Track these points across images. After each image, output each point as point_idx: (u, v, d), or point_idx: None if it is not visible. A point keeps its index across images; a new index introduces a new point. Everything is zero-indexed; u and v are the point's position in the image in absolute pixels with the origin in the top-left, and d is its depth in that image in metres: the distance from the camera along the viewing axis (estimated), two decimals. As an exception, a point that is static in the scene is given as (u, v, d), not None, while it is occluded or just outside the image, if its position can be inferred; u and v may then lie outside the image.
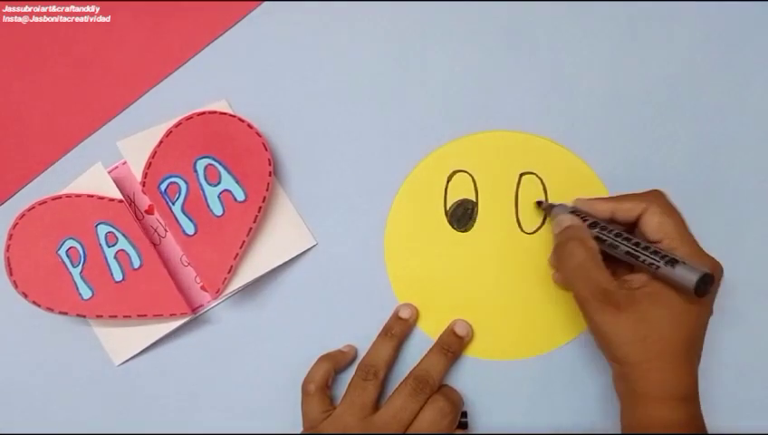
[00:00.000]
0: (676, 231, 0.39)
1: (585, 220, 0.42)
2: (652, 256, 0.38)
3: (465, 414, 0.45)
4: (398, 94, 0.49)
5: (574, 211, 0.43)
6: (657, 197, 0.41)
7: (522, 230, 0.48)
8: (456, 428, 0.44)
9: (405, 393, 0.43)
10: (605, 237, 0.40)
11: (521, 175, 0.48)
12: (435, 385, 0.44)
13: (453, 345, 0.46)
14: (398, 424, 0.42)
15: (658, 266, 0.37)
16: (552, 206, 0.46)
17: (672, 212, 0.40)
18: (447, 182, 0.49)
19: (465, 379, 0.47)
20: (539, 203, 0.47)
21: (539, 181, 0.48)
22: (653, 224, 0.40)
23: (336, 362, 0.46)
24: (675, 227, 0.39)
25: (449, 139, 0.49)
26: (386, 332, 0.46)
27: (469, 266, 0.48)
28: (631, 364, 0.38)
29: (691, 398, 0.38)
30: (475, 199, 0.48)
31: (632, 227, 0.42)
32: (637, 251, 0.39)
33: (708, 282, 0.37)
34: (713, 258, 0.39)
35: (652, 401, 0.38)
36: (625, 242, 0.39)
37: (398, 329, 0.46)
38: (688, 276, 0.36)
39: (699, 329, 0.39)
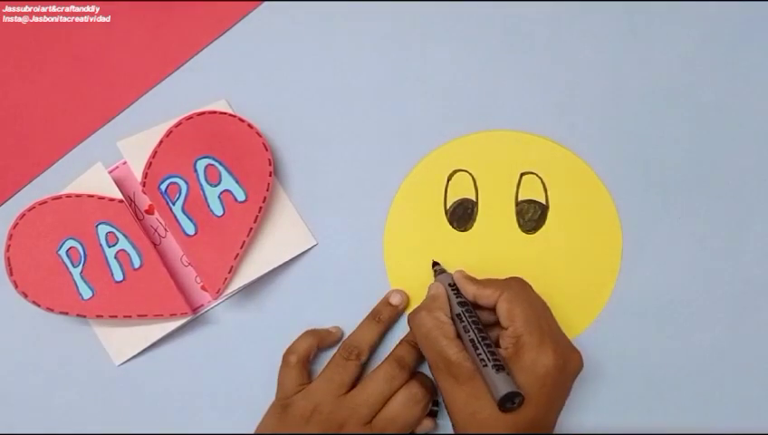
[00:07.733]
0: (522, 319, 0.40)
1: (459, 296, 0.43)
2: (486, 354, 0.38)
3: (436, 403, 0.45)
4: (398, 94, 0.49)
5: (453, 284, 0.44)
6: (511, 285, 0.42)
7: (522, 230, 0.48)
8: (426, 415, 0.44)
9: (379, 376, 0.43)
10: (463, 319, 0.41)
11: (521, 175, 0.48)
12: (410, 369, 0.44)
13: (384, 314, 0.46)
14: (368, 407, 0.42)
15: (486, 365, 0.38)
16: (441, 271, 0.46)
17: (522, 301, 0.41)
18: (447, 181, 0.49)
19: (465, 379, 0.47)
20: (434, 264, 0.47)
21: (539, 181, 0.48)
22: (502, 311, 0.41)
23: (321, 340, 0.46)
24: (522, 316, 0.40)
25: (449, 138, 0.49)
26: (374, 316, 0.46)
27: (469, 266, 0.48)
28: (461, 432, 0.39)
29: None
30: (475, 199, 0.48)
31: None
32: (477, 343, 0.39)
33: (515, 402, 0.37)
34: (566, 351, 0.39)
35: None
36: (475, 331, 0.40)
37: (387, 314, 0.46)
38: (499, 388, 0.37)
39: (532, 421, 0.39)
